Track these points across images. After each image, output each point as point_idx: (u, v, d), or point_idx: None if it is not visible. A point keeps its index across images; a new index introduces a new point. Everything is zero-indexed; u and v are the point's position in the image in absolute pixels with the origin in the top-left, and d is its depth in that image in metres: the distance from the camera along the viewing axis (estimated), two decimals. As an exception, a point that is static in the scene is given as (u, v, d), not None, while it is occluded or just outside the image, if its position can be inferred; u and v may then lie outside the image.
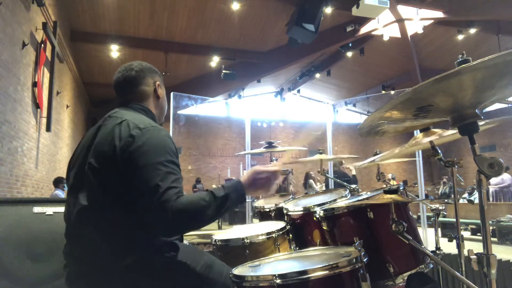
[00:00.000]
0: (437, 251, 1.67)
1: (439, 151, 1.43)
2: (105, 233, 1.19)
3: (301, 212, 1.82)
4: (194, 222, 1.16)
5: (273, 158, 2.58)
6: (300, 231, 1.84)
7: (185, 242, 1.58)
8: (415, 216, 2.78)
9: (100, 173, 1.21)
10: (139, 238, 1.21)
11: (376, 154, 2.11)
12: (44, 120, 6.86)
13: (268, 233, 1.75)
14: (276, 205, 2.17)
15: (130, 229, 1.19)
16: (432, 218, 1.76)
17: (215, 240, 1.83)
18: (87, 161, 1.25)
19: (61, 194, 6.13)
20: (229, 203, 1.22)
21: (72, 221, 1.26)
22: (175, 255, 1.27)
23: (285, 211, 1.91)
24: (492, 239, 6.91)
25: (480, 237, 1.02)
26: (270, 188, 1.37)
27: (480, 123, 1.08)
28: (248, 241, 1.72)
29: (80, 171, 1.27)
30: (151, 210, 1.10)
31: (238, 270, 1.33)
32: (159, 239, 1.27)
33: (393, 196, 1.40)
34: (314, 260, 1.39)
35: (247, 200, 4.39)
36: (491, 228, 6.78)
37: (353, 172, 6.24)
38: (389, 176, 13.46)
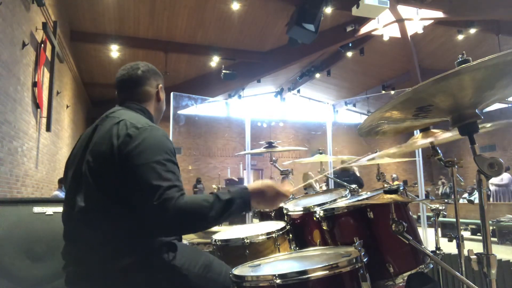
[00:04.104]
0: (437, 251, 1.67)
1: (439, 151, 1.43)
2: (103, 234, 1.19)
3: (301, 212, 1.82)
4: (195, 222, 1.15)
5: (274, 158, 2.57)
6: (300, 231, 1.84)
7: (184, 241, 1.58)
8: (415, 216, 2.78)
9: (97, 173, 1.21)
10: (137, 238, 1.20)
11: (376, 154, 2.10)
12: (44, 120, 6.86)
13: (268, 233, 1.75)
14: (276, 205, 2.16)
15: (128, 229, 1.19)
16: (432, 218, 1.76)
17: (215, 240, 1.82)
18: (84, 161, 1.25)
19: (61, 194, 6.13)
20: (233, 208, 1.20)
21: (70, 222, 1.25)
22: (174, 255, 1.27)
23: (285, 211, 1.91)
24: (492, 239, 6.91)
25: (480, 237, 1.02)
26: (274, 206, 1.34)
27: (480, 125, 1.08)
28: (248, 241, 1.71)
29: (78, 172, 1.26)
30: (152, 208, 1.09)
31: (238, 270, 1.33)
32: (158, 240, 1.26)
33: (393, 196, 1.40)
34: (314, 260, 1.39)
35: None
36: (491, 228, 6.78)
37: (357, 173, 6.21)
38: (391, 176, 13.48)
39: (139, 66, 1.46)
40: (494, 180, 9.51)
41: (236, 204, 1.21)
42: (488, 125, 1.33)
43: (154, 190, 1.09)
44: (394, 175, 13.99)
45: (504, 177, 9.42)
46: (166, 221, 1.10)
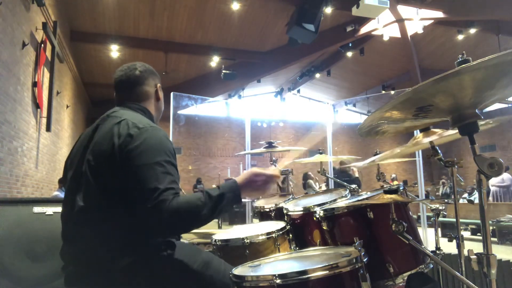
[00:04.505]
0: (437, 251, 1.67)
1: (439, 151, 1.43)
2: (102, 234, 1.19)
3: (301, 212, 1.82)
4: (189, 222, 1.16)
5: (274, 158, 2.57)
6: (300, 231, 1.84)
7: (184, 241, 1.57)
8: (415, 216, 2.78)
9: (98, 172, 1.21)
10: (136, 238, 1.21)
11: (376, 154, 2.10)
12: (44, 120, 6.86)
13: (268, 233, 1.75)
14: (276, 205, 2.17)
15: (127, 229, 1.19)
16: (432, 218, 1.76)
17: (215, 240, 1.82)
18: (84, 161, 1.25)
19: (61, 194, 6.13)
20: (224, 203, 1.21)
21: (70, 222, 1.25)
22: (172, 253, 1.27)
23: (285, 211, 1.91)
24: (492, 239, 6.91)
25: (480, 237, 1.02)
26: (265, 191, 1.36)
27: (480, 123, 1.08)
28: (248, 241, 1.71)
29: (78, 171, 1.26)
30: (148, 210, 1.10)
31: (238, 270, 1.33)
32: (156, 239, 1.27)
33: (393, 196, 1.40)
34: (314, 260, 1.39)
35: (247, 200, 4.39)
36: (491, 228, 6.78)
37: (356, 174, 6.19)
38: (391, 176, 13.49)
39: (136, 66, 1.47)
40: (495, 182, 9.51)
41: (227, 198, 1.22)
42: (491, 121, 1.34)
43: (151, 191, 1.10)
44: (394, 175, 14.02)
45: (505, 178, 9.42)
46: (161, 222, 1.11)
